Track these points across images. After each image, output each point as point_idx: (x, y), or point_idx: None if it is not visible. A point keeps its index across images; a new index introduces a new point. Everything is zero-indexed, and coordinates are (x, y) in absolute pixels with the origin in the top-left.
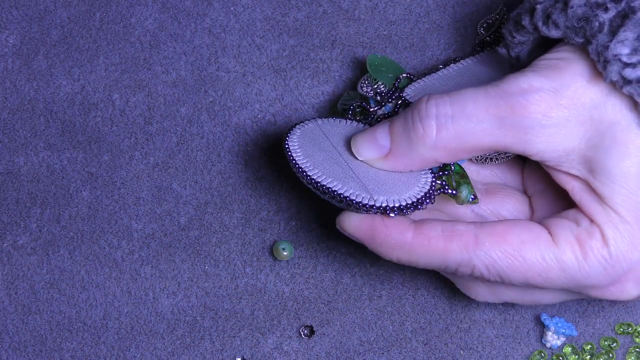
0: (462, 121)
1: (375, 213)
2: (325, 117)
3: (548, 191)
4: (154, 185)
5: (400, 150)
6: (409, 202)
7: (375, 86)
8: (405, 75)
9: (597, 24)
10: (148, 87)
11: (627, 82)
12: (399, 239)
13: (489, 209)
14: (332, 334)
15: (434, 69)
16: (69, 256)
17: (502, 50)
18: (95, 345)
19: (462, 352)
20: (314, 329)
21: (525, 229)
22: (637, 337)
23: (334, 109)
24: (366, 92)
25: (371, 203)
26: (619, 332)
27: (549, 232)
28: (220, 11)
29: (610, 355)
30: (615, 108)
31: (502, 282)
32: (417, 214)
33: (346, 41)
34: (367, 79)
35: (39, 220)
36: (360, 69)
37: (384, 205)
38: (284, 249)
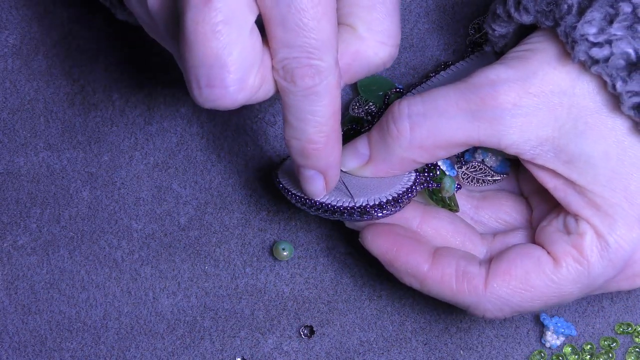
0: (434, 118)
1: (359, 216)
2: None
3: (543, 189)
4: (154, 185)
5: (379, 155)
6: (389, 198)
7: (367, 107)
8: (394, 90)
9: (565, 6)
10: (148, 87)
11: (595, 61)
12: (416, 269)
13: (488, 214)
14: (332, 334)
15: (424, 78)
16: (69, 256)
17: (487, 48)
18: (95, 345)
19: (462, 352)
20: (314, 329)
21: (526, 257)
22: (636, 337)
23: None
24: (357, 113)
25: (351, 205)
26: (618, 332)
27: (548, 252)
28: None
29: (610, 355)
30: (583, 92)
31: (522, 314)
32: (437, 229)
33: None
34: (359, 101)
35: (39, 220)
36: (352, 90)
37: (363, 204)
38: (284, 249)
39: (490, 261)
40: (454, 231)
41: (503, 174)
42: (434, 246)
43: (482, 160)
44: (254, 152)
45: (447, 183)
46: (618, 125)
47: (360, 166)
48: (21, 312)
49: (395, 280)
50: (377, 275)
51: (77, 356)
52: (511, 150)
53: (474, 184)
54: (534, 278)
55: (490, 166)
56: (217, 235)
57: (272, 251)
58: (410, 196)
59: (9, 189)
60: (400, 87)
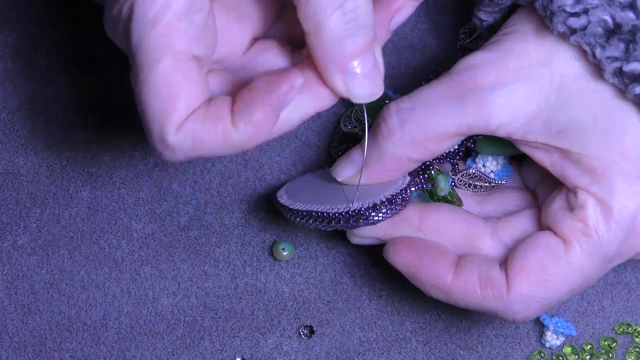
0: (422, 110)
1: (355, 221)
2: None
3: (546, 178)
4: (154, 185)
5: (373, 158)
6: (383, 199)
7: (357, 122)
8: (387, 102)
9: None
10: None
11: (573, 31)
12: (439, 280)
13: (493, 207)
14: (332, 334)
15: (416, 87)
16: (68, 256)
17: (481, 44)
18: (95, 345)
19: (462, 352)
20: (314, 329)
21: (536, 247)
22: (636, 337)
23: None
24: (350, 129)
25: (346, 210)
26: (618, 332)
27: (555, 233)
28: None
29: (610, 355)
30: (561, 60)
31: (552, 307)
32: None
33: None
34: (350, 116)
35: (39, 220)
36: (342, 105)
37: (358, 208)
38: (283, 249)
39: (508, 264)
40: (455, 219)
41: (500, 181)
42: (456, 255)
43: (483, 164)
44: (254, 152)
45: (441, 182)
46: (602, 90)
47: (355, 174)
48: (21, 312)
49: (396, 280)
50: (377, 275)
51: (77, 356)
52: (502, 132)
53: (471, 189)
54: (550, 266)
55: (492, 170)
56: (217, 235)
57: (272, 251)
58: (404, 197)
59: (9, 189)
60: (396, 96)
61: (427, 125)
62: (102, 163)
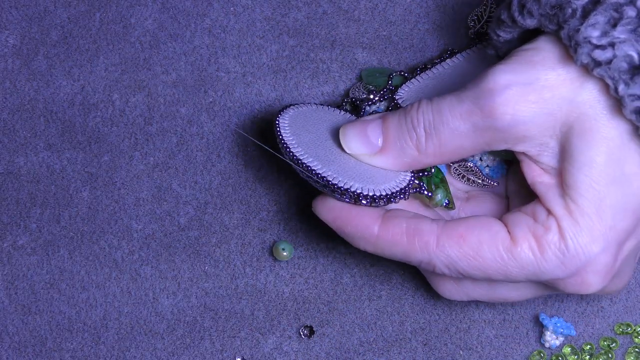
0: (441, 128)
1: (348, 199)
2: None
3: (523, 191)
4: (154, 185)
5: (392, 152)
6: (383, 193)
7: (366, 89)
8: (397, 72)
9: (570, 10)
10: (148, 87)
11: (597, 64)
12: (366, 232)
13: (466, 214)
14: (332, 334)
15: (429, 63)
16: (69, 256)
17: (491, 52)
18: (95, 345)
19: (461, 352)
20: (314, 329)
21: (485, 229)
22: (636, 337)
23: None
24: (359, 95)
25: (346, 187)
26: (618, 332)
27: (508, 230)
28: (220, 11)
29: (610, 355)
30: (584, 100)
31: (466, 278)
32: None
33: (346, 41)
34: (359, 87)
35: (39, 220)
36: (358, 76)
37: (357, 191)
38: (283, 249)
39: (443, 221)
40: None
41: (493, 181)
42: (384, 210)
43: (480, 157)
44: (254, 152)
45: (438, 197)
46: (612, 136)
47: (367, 154)
48: (21, 312)
49: (396, 280)
50: (377, 275)
51: (77, 356)
52: (519, 149)
53: (464, 182)
54: (485, 249)
55: (487, 165)
56: (217, 236)
57: (272, 251)
58: (401, 197)
59: (9, 189)
60: (401, 71)
61: (447, 143)
62: (102, 163)
